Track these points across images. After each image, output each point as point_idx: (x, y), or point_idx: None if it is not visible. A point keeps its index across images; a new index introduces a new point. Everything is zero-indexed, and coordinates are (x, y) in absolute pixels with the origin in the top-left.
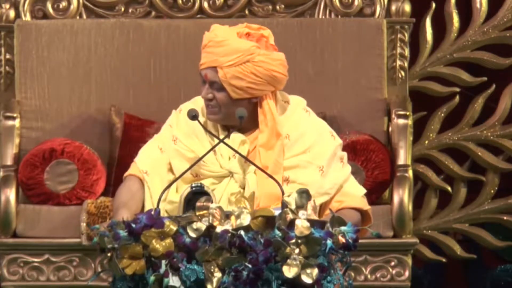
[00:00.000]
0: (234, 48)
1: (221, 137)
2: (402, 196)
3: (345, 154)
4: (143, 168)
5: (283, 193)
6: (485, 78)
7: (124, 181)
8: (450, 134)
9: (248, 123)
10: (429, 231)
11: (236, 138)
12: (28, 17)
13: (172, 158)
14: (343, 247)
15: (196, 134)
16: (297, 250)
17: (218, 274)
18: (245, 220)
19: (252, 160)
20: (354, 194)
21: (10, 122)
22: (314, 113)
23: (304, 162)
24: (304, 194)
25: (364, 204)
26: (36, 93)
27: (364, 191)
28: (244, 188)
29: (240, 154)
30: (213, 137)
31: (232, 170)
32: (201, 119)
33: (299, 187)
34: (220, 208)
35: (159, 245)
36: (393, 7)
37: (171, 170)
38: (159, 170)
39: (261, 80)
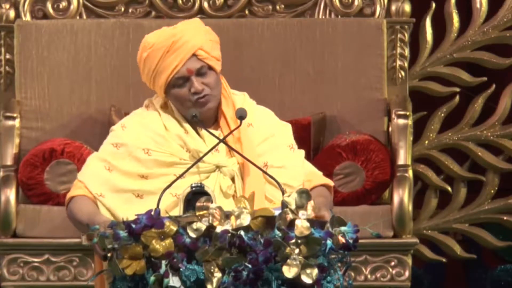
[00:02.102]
0: (194, 28)
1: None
2: (402, 196)
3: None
4: (97, 191)
5: (283, 193)
6: (485, 78)
7: (76, 200)
8: (450, 134)
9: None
10: (429, 231)
11: (207, 134)
12: (28, 17)
13: (150, 168)
14: (343, 247)
15: (165, 139)
16: (297, 250)
17: (218, 274)
18: (245, 220)
19: (228, 153)
20: (316, 172)
21: (10, 122)
22: None
23: (275, 145)
24: (304, 194)
25: (328, 180)
26: (36, 93)
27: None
28: (233, 180)
29: (238, 153)
30: (180, 137)
31: (220, 164)
32: (145, 129)
33: (277, 170)
34: (220, 208)
35: (159, 246)
36: (393, 7)
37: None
38: (114, 188)
39: (217, 44)
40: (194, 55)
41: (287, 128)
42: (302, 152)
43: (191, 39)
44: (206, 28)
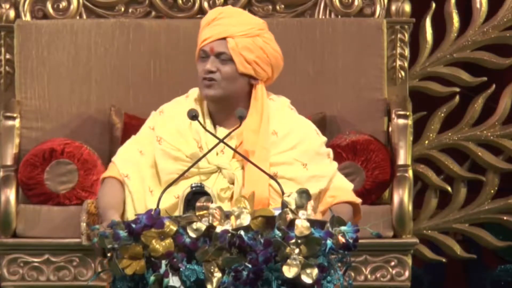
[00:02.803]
0: (247, 20)
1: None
2: (402, 196)
3: (330, 150)
4: (124, 171)
5: (283, 192)
6: (485, 78)
7: (105, 183)
8: (450, 134)
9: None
10: (429, 231)
11: (223, 133)
12: (28, 17)
13: (157, 158)
14: (343, 247)
15: (180, 133)
16: (297, 250)
17: (218, 274)
18: (245, 220)
19: (237, 157)
20: (345, 188)
21: (10, 122)
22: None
23: (290, 159)
24: (304, 194)
25: (355, 198)
26: (36, 93)
27: (351, 185)
28: (233, 184)
29: (240, 154)
30: (198, 135)
31: (221, 166)
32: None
33: (286, 182)
34: (220, 208)
35: (159, 245)
36: (393, 7)
37: (155, 174)
38: (140, 174)
39: (266, 59)
40: (224, 39)
41: (314, 143)
42: (331, 168)
43: (229, 24)
44: (258, 29)
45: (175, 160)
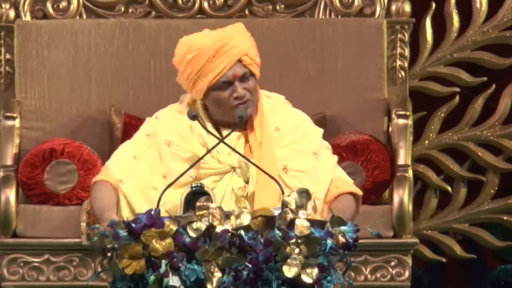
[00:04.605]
0: (241, 29)
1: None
2: (402, 196)
3: (327, 143)
4: (118, 176)
5: (282, 192)
6: (485, 78)
7: (98, 186)
8: (450, 134)
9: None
10: (429, 231)
11: (231, 134)
12: (28, 17)
13: (168, 160)
14: (343, 247)
15: (183, 138)
16: (297, 250)
17: (218, 274)
18: (245, 220)
19: (248, 155)
20: (346, 179)
21: (10, 122)
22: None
23: (297, 151)
24: (304, 194)
25: (357, 189)
26: (36, 93)
27: (350, 179)
28: (247, 182)
29: (240, 154)
30: (202, 138)
31: (235, 165)
32: (184, 124)
33: (297, 174)
34: (220, 208)
35: (159, 245)
36: (393, 7)
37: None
38: (136, 176)
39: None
40: (239, 60)
41: (317, 133)
42: (333, 158)
43: (238, 45)
44: (249, 34)
45: (187, 162)
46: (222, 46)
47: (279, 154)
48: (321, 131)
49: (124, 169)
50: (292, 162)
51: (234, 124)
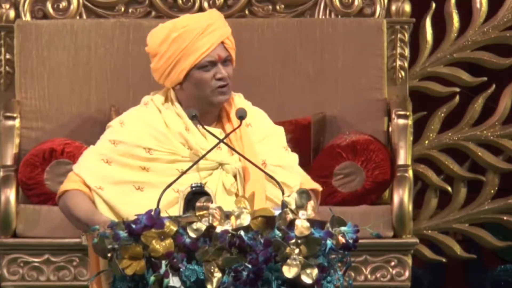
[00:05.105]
0: (222, 17)
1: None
2: (402, 196)
3: None
4: (96, 184)
5: (283, 192)
6: (485, 78)
7: (72, 195)
8: (450, 134)
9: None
10: (429, 231)
11: (213, 131)
12: (28, 17)
13: (152, 165)
14: (343, 247)
15: (159, 140)
16: (297, 250)
17: (218, 274)
18: (245, 220)
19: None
20: (306, 175)
21: (10, 122)
22: None
23: (271, 146)
24: (304, 194)
25: (317, 185)
26: (36, 93)
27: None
28: (235, 177)
29: (238, 153)
30: (182, 136)
31: (223, 162)
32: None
33: (275, 169)
34: (220, 208)
35: (159, 246)
36: (393, 7)
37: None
38: (113, 181)
39: None
40: (222, 42)
41: (281, 130)
42: (295, 155)
43: (222, 27)
44: None
45: (172, 163)
46: (209, 25)
47: (257, 148)
48: (282, 128)
49: (99, 175)
50: (269, 157)
51: (208, 115)
